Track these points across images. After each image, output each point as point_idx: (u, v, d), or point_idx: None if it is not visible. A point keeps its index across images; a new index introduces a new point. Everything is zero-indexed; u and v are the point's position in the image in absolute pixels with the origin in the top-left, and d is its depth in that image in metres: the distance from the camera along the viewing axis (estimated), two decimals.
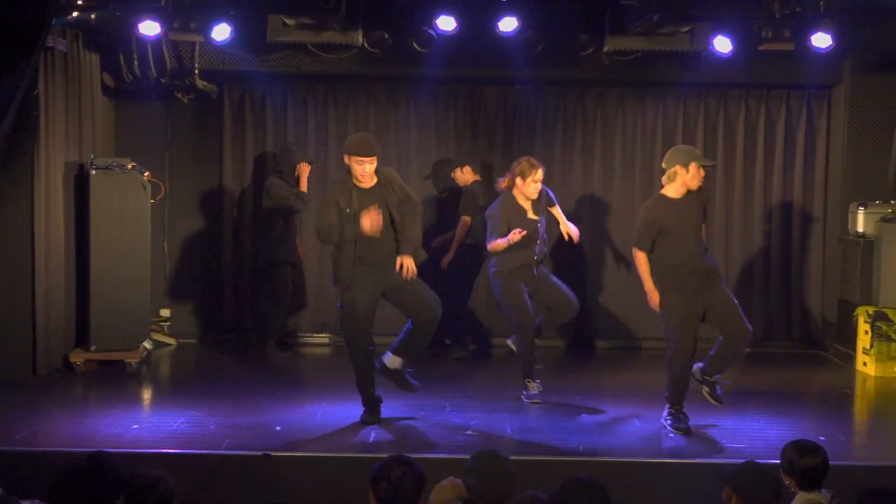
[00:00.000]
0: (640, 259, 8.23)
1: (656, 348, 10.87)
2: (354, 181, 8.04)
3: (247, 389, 9.44)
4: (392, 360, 8.30)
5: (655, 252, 8.17)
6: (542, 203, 9.20)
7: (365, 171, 8.00)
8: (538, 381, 9.14)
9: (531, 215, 9.10)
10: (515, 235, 8.81)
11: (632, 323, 11.76)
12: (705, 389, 8.53)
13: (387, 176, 8.20)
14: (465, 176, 11.02)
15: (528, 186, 9.04)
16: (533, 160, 9.17)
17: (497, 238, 8.96)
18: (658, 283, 8.19)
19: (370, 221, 7.85)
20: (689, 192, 8.16)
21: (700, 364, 8.44)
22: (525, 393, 9.10)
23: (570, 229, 9.32)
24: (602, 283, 11.81)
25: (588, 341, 11.80)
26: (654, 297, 8.20)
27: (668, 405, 8.23)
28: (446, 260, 10.87)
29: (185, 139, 11.82)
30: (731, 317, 8.23)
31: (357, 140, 8.16)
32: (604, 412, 8.73)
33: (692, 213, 8.17)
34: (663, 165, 8.23)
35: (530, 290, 9.15)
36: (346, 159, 8.08)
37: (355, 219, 7.93)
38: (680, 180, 8.12)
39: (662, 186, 8.25)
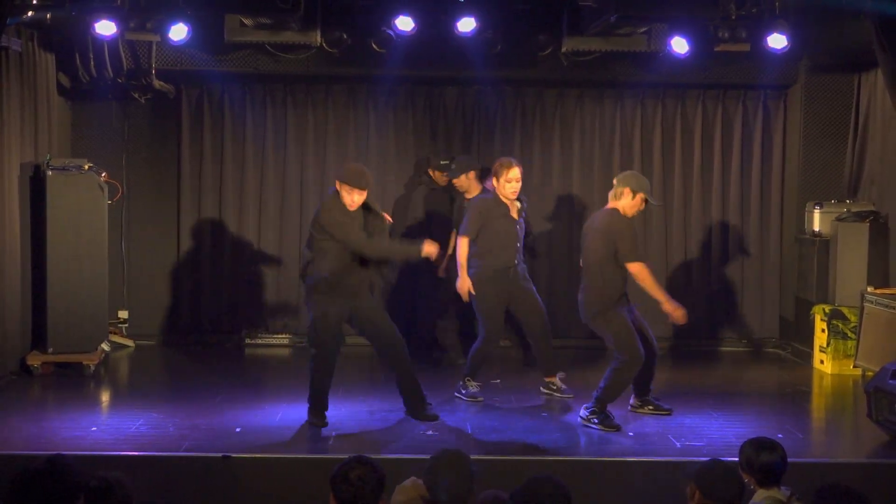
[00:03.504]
0: (646, 271, 8.26)
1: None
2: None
3: (206, 391, 9.38)
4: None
5: (614, 266, 8.25)
6: (521, 210, 9.22)
7: (354, 201, 8.02)
8: (478, 382, 9.22)
9: (513, 214, 9.10)
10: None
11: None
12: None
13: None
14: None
15: (504, 187, 9.02)
16: (507, 159, 9.18)
17: (465, 234, 9.05)
18: (608, 297, 8.26)
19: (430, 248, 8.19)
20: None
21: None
22: (464, 391, 9.11)
23: None
24: (562, 280, 11.77)
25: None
26: (671, 303, 8.26)
27: (596, 406, 8.20)
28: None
29: (143, 139, 11.73)
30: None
31: (355, 171, 8.16)
32: (566, 411, 8.74)
33: None
34: (615, 182, 8.42)
35: (507, 299, 9.13)
36: (338, 186, 8.07)
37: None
38: (624, 202, 8.30)
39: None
